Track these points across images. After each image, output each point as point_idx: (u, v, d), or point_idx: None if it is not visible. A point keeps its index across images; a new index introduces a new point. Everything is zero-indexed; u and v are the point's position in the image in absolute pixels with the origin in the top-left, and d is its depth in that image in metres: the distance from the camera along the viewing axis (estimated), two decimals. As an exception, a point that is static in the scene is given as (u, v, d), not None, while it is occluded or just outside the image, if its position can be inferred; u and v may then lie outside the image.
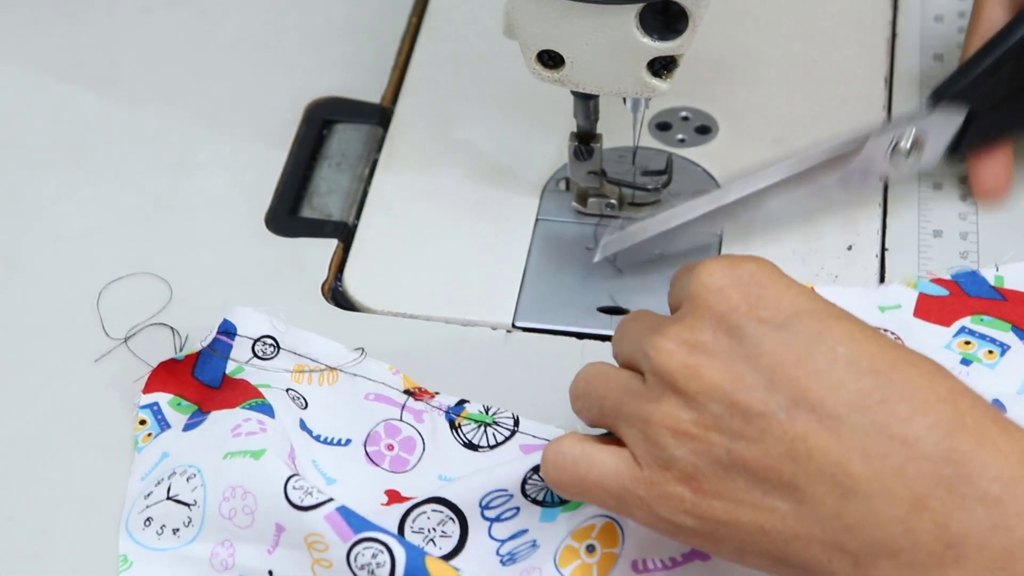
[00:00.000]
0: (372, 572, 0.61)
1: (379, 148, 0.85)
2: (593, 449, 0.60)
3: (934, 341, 0.72)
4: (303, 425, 0.70)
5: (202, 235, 0.80)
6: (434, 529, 0.65)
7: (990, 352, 0.71)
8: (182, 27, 0.91)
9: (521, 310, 0.76)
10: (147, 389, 0.71)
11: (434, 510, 0.65)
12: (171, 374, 0.71)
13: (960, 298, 0.74)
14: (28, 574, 0.67)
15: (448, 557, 0.65)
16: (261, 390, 0.70)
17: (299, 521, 0.62)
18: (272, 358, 0.72)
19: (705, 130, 0.84)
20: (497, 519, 0.65)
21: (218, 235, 0.80)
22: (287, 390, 0.70)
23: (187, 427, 0.69)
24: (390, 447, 0.70)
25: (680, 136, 0.84)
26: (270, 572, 0.64)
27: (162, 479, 0.67)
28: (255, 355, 0.72)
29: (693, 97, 0.85)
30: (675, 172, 0.81)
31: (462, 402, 0.71)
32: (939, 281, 0.74)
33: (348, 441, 0.70)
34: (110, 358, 0.73)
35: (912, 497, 0.54)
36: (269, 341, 0.72)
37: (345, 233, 0.80)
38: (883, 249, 0.78)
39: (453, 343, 0.75)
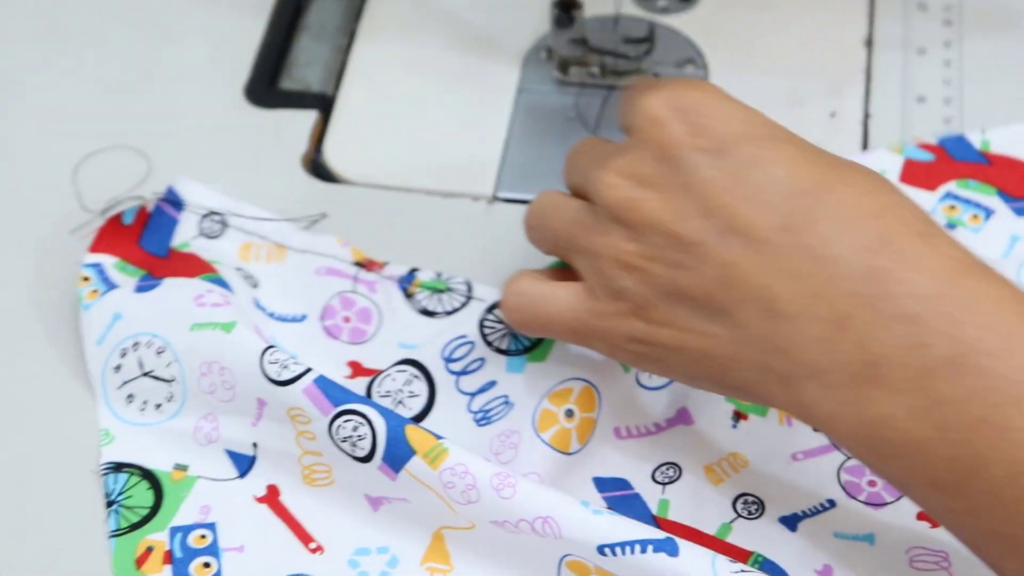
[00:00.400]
0: (354, 444, 0.61)
1: (358, 18, 0.84)
2: (549, 286, 0.62)
3: (921, 202, 0.72)
4: (257, 304, 0.70)
5: (181, 107, 0.79)
6: (401, 390, 0.65)
7: (974, 216, 0.71)
8: None
9: (503, 181, 0.76)
10: (93, 248, 0.70)
11: (399, 370, 0.65)
12: (117, 238, 0.71)
13: (946, 162, 0.73)
14: None
15: (419, 418, 0.65)
16: (213, 266, 0.69)
17: (279, 395, 0.62)
18: (218, 236, 0.71)
19: (688, -3, 0.83)
20: (463, 372, 0.65)
21: (197, 107, 0.80)
22: (236, 269, 0.70)
23: (140, 288, 0.68)
24: (347, 319, 0.70)
25: (663, 3, 0.83)
26: (255, 444, 0.64)
27: (126, 349, 0.66)
28: (202, 232, 0.71)
29: (676, -37, 0.84)
30: (657, 40, 0.80)
31: (413, 271, 0.71)
32: (924, 146, 0.74)
33: (304, 316, 0.70)
34: (87, 230, 0.73)
35: (833, 317, 0.54)
36: (216, 218, 0.71)
37: (325, 104, 0.80)
38: (866, 116, 0.77)
39: (434, 214, 0.74)
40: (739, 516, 0.63)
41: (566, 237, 0.62)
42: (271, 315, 0.70)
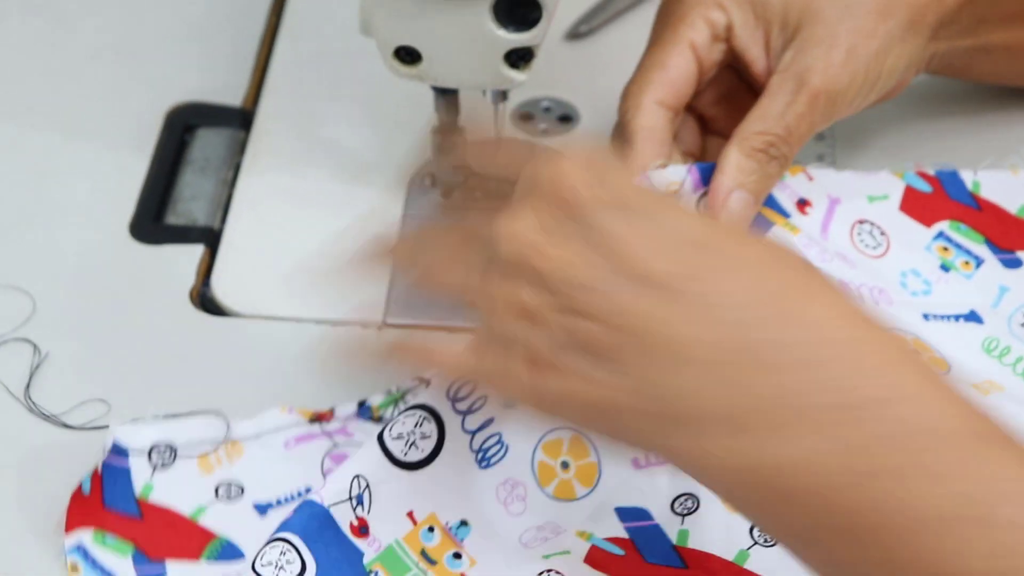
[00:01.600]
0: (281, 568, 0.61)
1: (242, 151, 0.84)
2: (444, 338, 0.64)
3: (917, 239, 0.74)
4: (260, 509, 0.68)
5: (64, 245, 0.79)
6: (413, 432, 0.64)
7: (966, 263, 0.74)
8: (38, 35, 0.90)
9: (391, 307, 0.76)
10: (68, 527, 0.67)
11: (408, 415, 0.64)
12: (84, 509, 0.67)
13: (941, 198, 0.75)
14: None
15: (430, 458, 0.64)
16: (201, 522, 0.67)
17: None
18: (172, 464, 0.69)
19: (567, 119, 0.85)
20: (469, 411, 0.65)
21: (81, 244, 0.79)
22: (215, 491, 0.68)
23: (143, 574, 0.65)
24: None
25: (543, 126, 0.84)
26: None
27: None
28: (154, 468, 0.68)
29: (554, 87, 0.86)
30: (539, 162, 0.81)
31: (361, 403, 0.70)
32: (923, 175, 0.76)
33: (308, 489, 0.67)
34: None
35: (719, 364, 0.55)
36: (162, 448, 0.68)
37: (211, 238, 0.80)
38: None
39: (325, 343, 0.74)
40: (756, 543, 0.64)
41: (459, 285, 0.62)
42: (278, 503, 0.68)
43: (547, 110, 0.85)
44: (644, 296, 0.56)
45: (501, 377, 0.60)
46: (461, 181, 0.79)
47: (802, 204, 0.73)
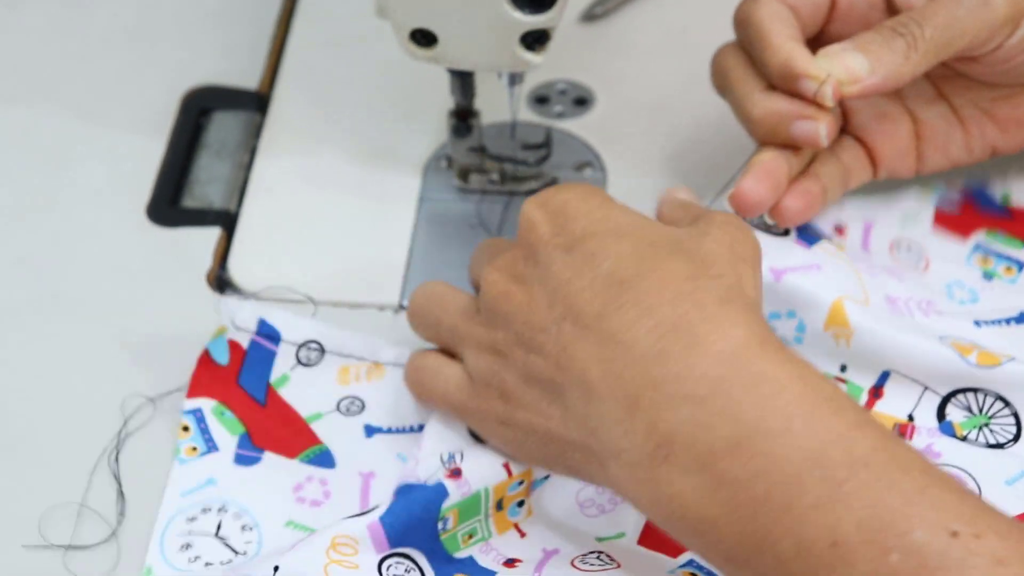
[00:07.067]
0: None
1: (258, 134, 0.84)
2: (443, 364, 0.66)
3: (955, 253, 0.74)
4: (368, 430, 0.70)
5: (83, 229, 0.79)
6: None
7: (1008, 268, 0.74)
8: (54, 19, 0.90)
9: (408, 290, 0.76)
10: (191, 393, 0.70)
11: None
12: (214, 379, 0.71)
13: (972, 210, 0.76)
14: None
15: None
16: (313, 426, 0.69)
17: None
18: (316, 364, 0.71)
19: (583, 101, 0.85)
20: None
21: (99, 229, 0.80)
22: (338, 404, 0.70)
23: (239, 459, 0.68)
24: None
25: (558, 109, 0.84)
26: None
27: (210, 507, 0.66)
28: (299, 362, 0.71)
29: (569, 69, 0.85)
30: (555, 145, 0.81)
31: None
32: (952, 190, 0.76)
33: (421, 426, 0.69)
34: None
35: (628, 399, 0.57)
36: (314, 346, 0.72)
37: (228, 221, 0.80)
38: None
39: (341, 326, 0.74)
40: None
41: (449, 327, 0.66)
42: (388, 431, 0.70)
43: (563, 92, 0.85)
44: (577, 335, 0.60)
45: (485, 410, 0.63)
46: (477, 164, 0.79)
47: (839, 229, 0.74)
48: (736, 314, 0.58)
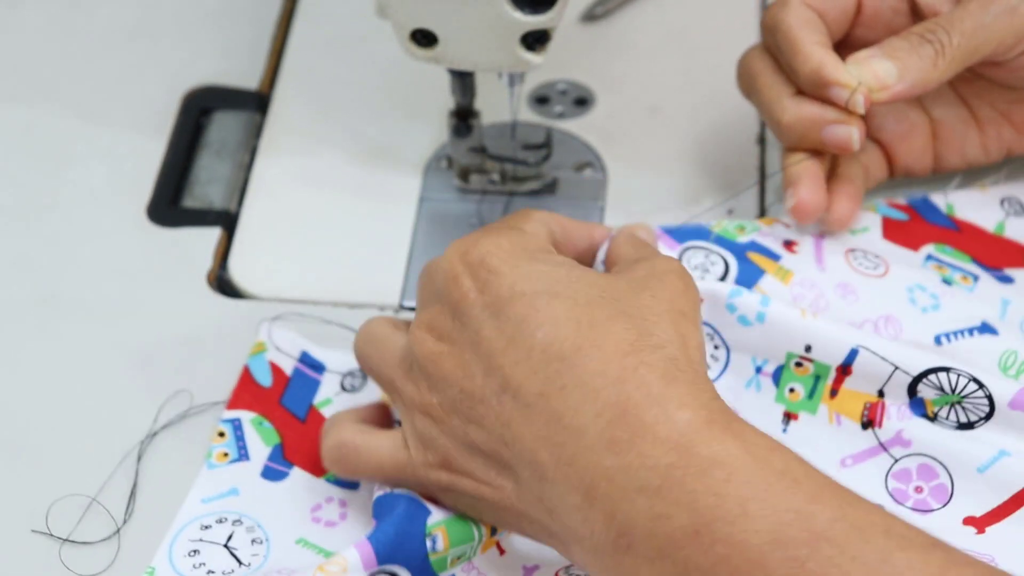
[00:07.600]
0: None
1: (259, 134, 0.84)
2: (370, 436, 0.64)
3: (910, 260, 0.73)
4: None
5: (83, 229, 0.79)
6: None
7: (964, 277, 0.73)
8: (55, 19, 0.90)
9: (409, 290, 0.76)
10: (231, 406, 0.70)
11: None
12: (257, 398, 0.71)
13: (919, 223, 0.75)
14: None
15: None
16: None
17: None
18: (360, 390, 0.71)
19: (583, 101, 0.85)
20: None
21: (99, 229, 0.80)
22: None
23: (267, 472, 0.68)
24: None
25: (559, 109, 0.84)
26: None
27: (225, 519, 0.66)
28: (343, 388, 0.72)
29: (569, 69, 0.86)
30: (555, 145, 0.81)
31: None
32: (895, 205, 0.76)
33: None
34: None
35: (584, 487, 0.56)
36: (358, 374, 0.72)
37: (228, 221, 0.80)
38: (762, 211, 0.79)
39: (341, 326, 0.75)
40: None
41: (387, 379, 0.64)
42: None
43: (563, 92, 0.85)
44: (520, 413, 0.58)
45: (424, 475, 0.62)
46: (478, 164, 0.80)
47: (788, 244, 0.72)
48: (681, 394, 0.57)
